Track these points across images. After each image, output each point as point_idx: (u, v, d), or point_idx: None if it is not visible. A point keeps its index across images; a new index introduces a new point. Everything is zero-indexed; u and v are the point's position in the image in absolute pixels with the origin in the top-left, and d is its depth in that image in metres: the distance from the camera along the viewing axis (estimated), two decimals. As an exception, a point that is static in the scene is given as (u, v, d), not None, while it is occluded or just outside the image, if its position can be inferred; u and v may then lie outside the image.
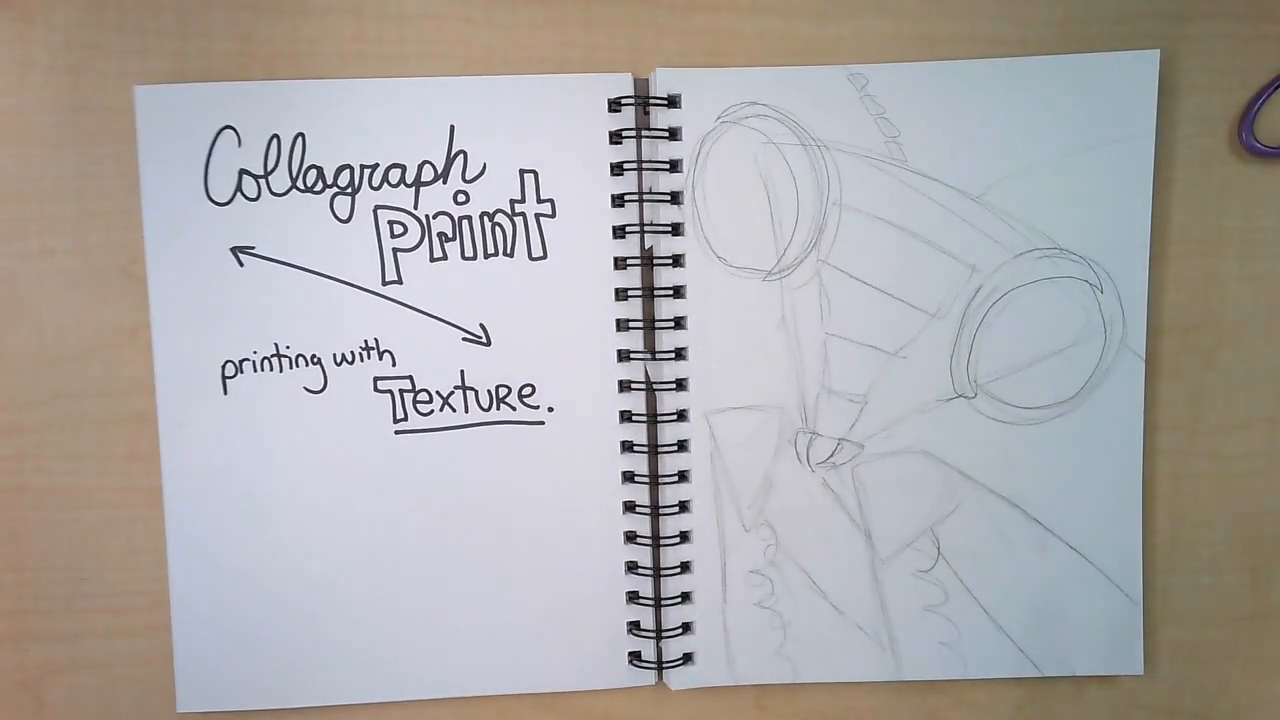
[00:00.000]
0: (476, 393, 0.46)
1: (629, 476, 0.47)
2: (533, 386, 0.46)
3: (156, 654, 0.47)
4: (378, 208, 0.46)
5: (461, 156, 0.46)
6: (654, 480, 0.47)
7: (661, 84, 0.46)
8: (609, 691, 0.48)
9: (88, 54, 0.46)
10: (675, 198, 0.46)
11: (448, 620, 0.47)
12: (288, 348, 0.46)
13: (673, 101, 0.46)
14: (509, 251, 0.46)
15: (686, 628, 0.47)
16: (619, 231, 0.46)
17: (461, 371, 0.46)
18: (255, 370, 0.46)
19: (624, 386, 0.47)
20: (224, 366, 0.46)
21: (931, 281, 0.46)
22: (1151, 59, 0.46)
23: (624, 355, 0.47)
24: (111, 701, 0.48)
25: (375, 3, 0.46)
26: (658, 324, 0.46)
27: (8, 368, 0.47)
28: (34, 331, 0.47)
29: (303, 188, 0.46)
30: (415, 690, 0.47)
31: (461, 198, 0.46)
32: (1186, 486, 0.48)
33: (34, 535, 0.47)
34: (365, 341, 0.46)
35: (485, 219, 0.46)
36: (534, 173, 0.46)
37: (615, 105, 0.46)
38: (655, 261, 0.46)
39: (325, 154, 0.45)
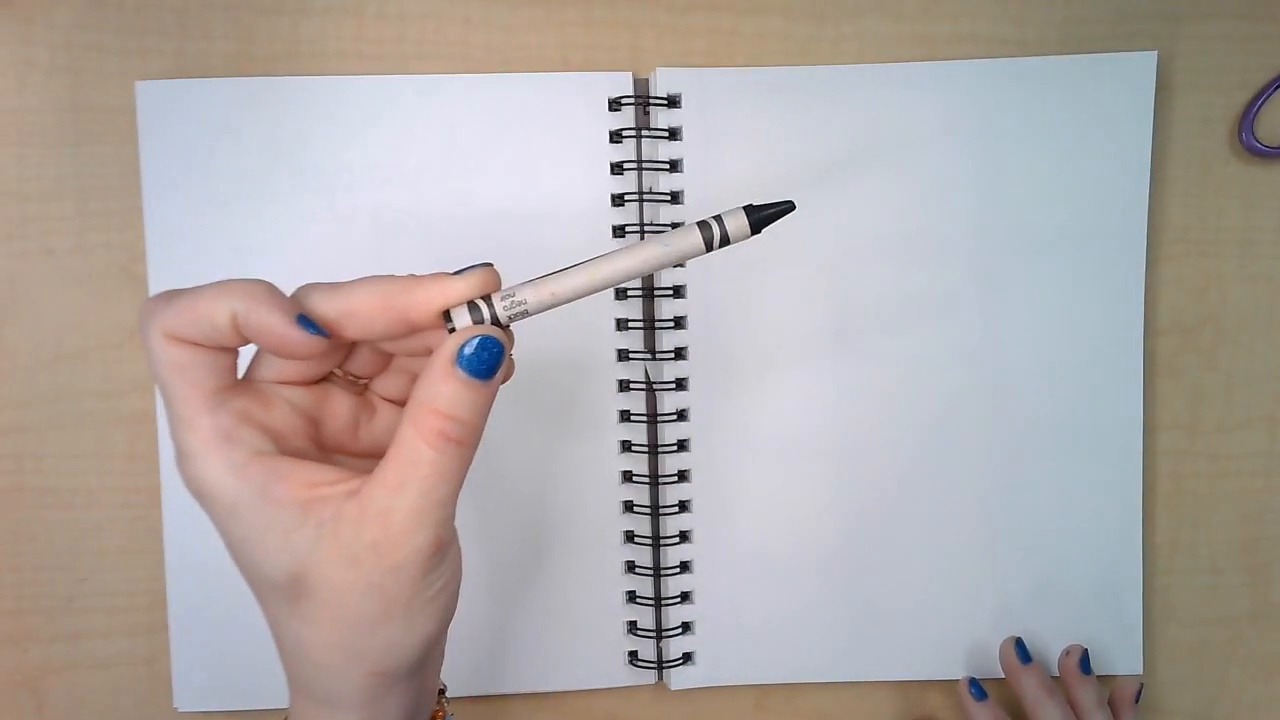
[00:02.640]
0: (476, 392, 0.46)
1: (628, 476, 0.47)
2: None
3: (156, 653, 0.47)
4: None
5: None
6: (654, 480, 0.47)
7: (661, 84, 0.46)
8: (609, 691, 0.48)
9: (88, 54, 0.46)
10: (675, 197, 0.46)
11: (448, 620, 0.47)
12: (288, 347, 0.46)
13: (673, 101, 0.46)
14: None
15: (686, 627, 0.47)
16: (619, 231, 0.46)
17: (461, 371, 0.46)
18: (255, 370, 0.46)
19: (624, 386, 0.47)
20: (224, 366, 0.46)
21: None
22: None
23: (624, 355, 0.47)
24: (112, 701, 0.48)
25: (375, 3, 0.46)
26: (658, 324, 0.46)
27: (8, 368, 0.47)
28: (34, 331, 0.47)
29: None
30: (415, 690, 0.47)
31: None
32: (1186, 486, 0.48)
33: (34, 535, 0.47)
34: (365, 341, 0.46)
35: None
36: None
37: (615, 105, 0.46)
38: (655, 261, 0.46)
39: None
